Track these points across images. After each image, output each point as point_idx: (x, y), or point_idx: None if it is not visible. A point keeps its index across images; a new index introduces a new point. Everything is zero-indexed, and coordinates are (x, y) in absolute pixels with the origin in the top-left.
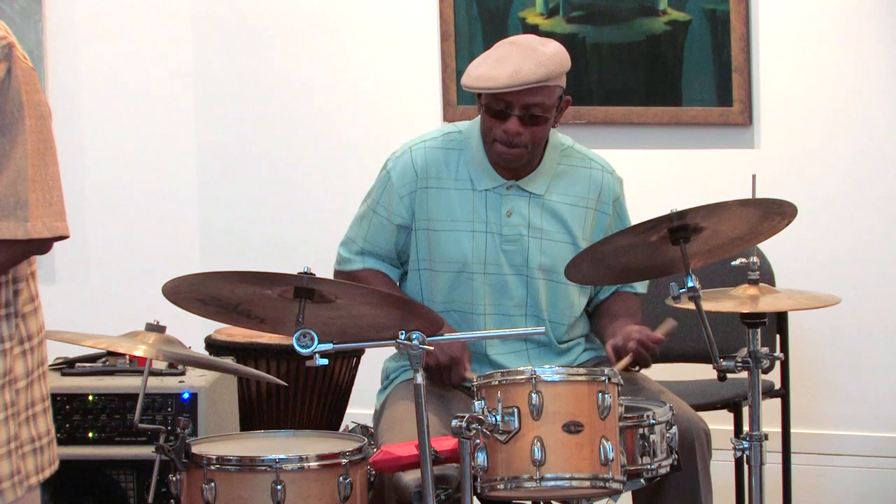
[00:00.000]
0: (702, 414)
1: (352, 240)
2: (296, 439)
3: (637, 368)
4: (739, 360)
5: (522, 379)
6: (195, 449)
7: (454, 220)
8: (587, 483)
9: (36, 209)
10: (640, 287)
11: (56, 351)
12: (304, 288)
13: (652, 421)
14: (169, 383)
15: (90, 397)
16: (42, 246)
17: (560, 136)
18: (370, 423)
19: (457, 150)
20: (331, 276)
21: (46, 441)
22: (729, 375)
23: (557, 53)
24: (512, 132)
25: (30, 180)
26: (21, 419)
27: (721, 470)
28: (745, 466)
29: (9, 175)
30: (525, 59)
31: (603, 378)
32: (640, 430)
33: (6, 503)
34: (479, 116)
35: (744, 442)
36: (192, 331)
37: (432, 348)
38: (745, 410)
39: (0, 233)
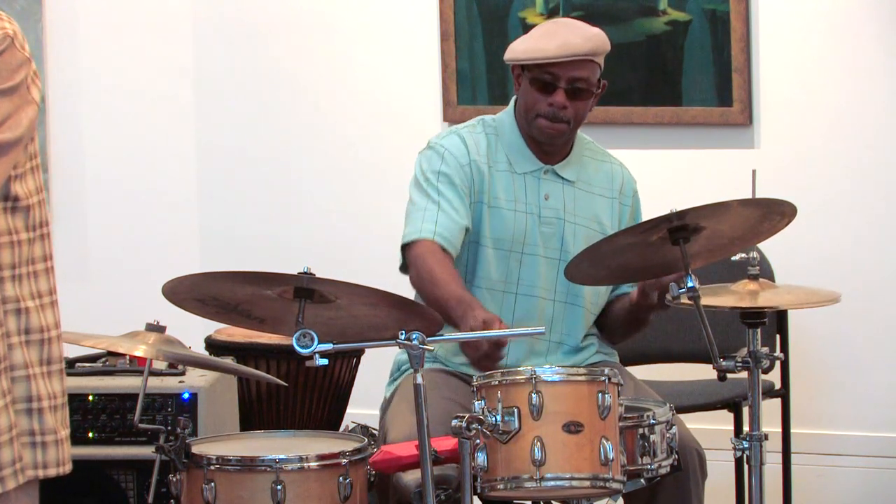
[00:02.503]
0: (702, 414)
1: (429, 215)
2: (296, 439)
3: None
4: (739, 360)
5: (522, 379)
6: (195, 449)
7: (498, 198)
8: (587, 483)
9: None
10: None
11: None
12: (304, 288)
13: (652, 421)
14: (169, 383)
15: (90, 397)
16: None
17: (579, 132)
18: (370, 423)
19: (494, 135)
20: (330, 275)
21: (52, 439)
22: (729, 375)
23: (600, 33)
24: (559, 104)
25: None
26: (19, 408)
27: (721, 470)
28: (745, 466)
29: None
30: (572, 33)
31: (603, 378)
32: (640, 430)
33: (6, 490)
34: (514, 100)
35: (744, 442)
36: (192, 331)
37: (433, 349)
38: (745, 410)
39: None
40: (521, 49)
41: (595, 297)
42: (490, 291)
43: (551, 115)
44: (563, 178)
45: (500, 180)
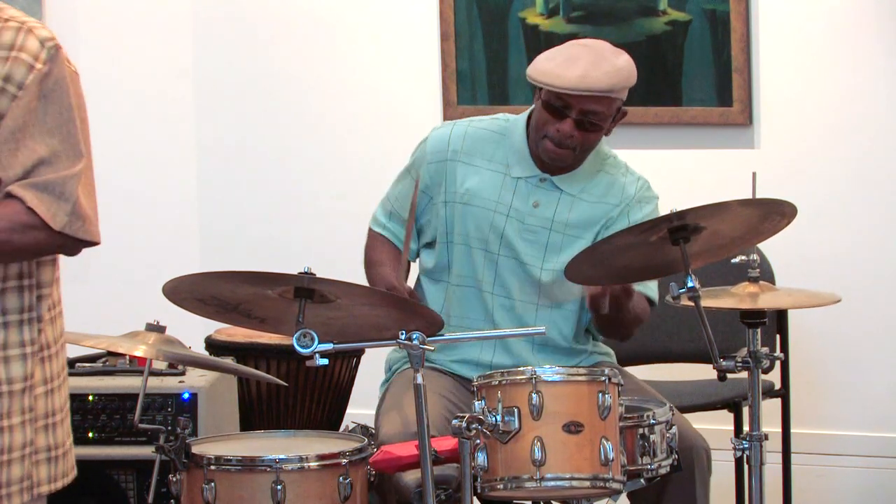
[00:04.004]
0: (702, 414)
1: (387, 198)
2: (296, 439)
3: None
4: (739, 360)
5: (523, 379)
6: (195, 449)
7: (477, 197)
8: (587, 483)
9: (81, 208)
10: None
11: None
12: (304, 288)
13: (652, 421)
14: (169, 383)
15: (90, 397)
16: (72, 246)
17: (605, 147)
18: (370, 423)
19: (500, 134)
20: (331, 275)
21: (62, 451)
22: (729, 375)
23: (626, 67)
24: (565, 133)
25: (80, 181)
26: (38, 426)
27: (721, 470)
28: (745, 466)
29: (60, 171)
30: (595, 65)
31: (603, 378)
32: (640, 430)
33: None
34: (532, 109)
35: (744, 442)
36: (192, 331)
37: (433, 349)
38: (745, 410)
39: (42, 214)
40: (540, 70)
41: (576, 307)
42: (462, 289)
43: (557, 140)
44: (560, 189)
45: (487, 179)
